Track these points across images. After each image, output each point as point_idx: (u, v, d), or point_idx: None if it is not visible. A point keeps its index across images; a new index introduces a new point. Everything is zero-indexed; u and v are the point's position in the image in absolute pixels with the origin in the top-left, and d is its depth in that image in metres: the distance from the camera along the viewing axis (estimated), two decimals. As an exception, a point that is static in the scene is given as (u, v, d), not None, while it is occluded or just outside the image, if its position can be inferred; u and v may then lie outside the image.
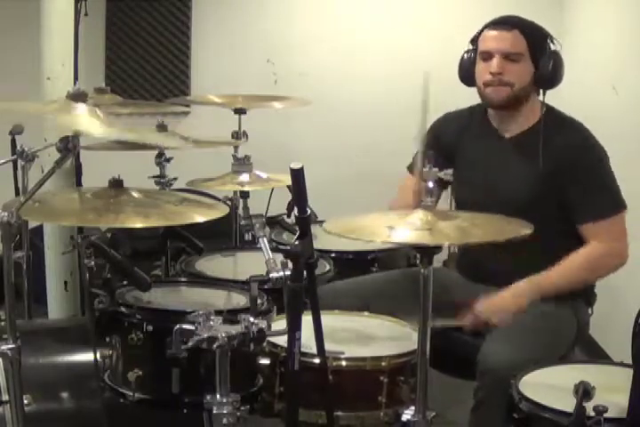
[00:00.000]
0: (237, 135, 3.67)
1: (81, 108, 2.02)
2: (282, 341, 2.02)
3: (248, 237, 3.04)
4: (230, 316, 1.99)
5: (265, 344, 2.10)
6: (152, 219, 2.10)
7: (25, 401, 2.05)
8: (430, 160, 2.09)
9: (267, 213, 3.51)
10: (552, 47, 2.53)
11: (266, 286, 2.10)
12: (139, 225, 2.06)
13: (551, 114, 2.60)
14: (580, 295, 2.60)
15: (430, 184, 2.05)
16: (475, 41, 2.61)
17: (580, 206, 2.52)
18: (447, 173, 2.28)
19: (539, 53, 2.52)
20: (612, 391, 1.90)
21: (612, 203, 2.53)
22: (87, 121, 1.99)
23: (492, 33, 2.55)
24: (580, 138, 2.55)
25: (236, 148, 3.39)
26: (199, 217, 2.11)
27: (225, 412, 1.91)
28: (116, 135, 2.05)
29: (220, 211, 2.18)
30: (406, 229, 1.99)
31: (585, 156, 2.52)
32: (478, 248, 2.56)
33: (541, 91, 2.61)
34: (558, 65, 2.52)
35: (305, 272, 1.81)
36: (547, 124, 2.57)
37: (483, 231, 2.13)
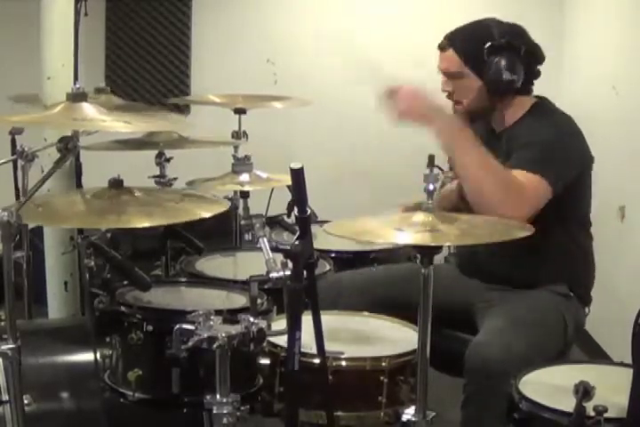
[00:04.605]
0: (237, 135, 3.67)
1: (86, 108, 2.02)
2: (282, 341, 2.02)
3: (248, 237, 3.03)
4: (230, 316, 1.99)
5: (265, 344, 2.10)
6: (155, 217, 2.10)
7: (25, 401, 2.05)
8: (432, 162, 2.10)
9: (267, 213, 3.51)
10: (499, 50, 2.48)
11: (266, 286, 2.10)
12: (144, 225, 2.07)
13: (538, 107, 2.60)
14: (576, 295, 2.60)
15: (431, 186, 2.06)
16: None
17: (517, 154, 2.46)
18: (447, 176, 2.30)
19: (479, 66, 2.51)
20: (612, 391, 1.90)
21: (546, 165, 2.42)
22: (96, 118, 1.99)
23: (439, 54, 2.61)
24: (557, 124, 2.53)
25: (236, 148, 3.39)
26: (203, 213, 2.11)
27: (225, 412, 1.91)
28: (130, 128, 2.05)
29: (223, 205, 2.17)
30: (409, 230, 2.00)
31: (551, 131, 2.49)
32: (476, 248, 2.57)
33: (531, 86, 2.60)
34: (500, 69, 2.48)
35: (305, 272, 1.81)
36: (531, 117, 2.57)
37: (483, 232, 2.14)
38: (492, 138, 2.65)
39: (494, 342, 2.30)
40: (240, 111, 3.66)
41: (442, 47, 2.60)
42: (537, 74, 2.60)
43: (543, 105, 2.62)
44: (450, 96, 2.60)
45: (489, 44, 2.48)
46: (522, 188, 2.35)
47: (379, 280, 2.75)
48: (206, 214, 2.10)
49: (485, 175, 2.35)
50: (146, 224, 2.07)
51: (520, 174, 2.38)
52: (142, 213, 2.09)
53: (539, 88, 2.65)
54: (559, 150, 2.47)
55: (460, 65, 2.54)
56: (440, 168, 2.18)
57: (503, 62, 2.48)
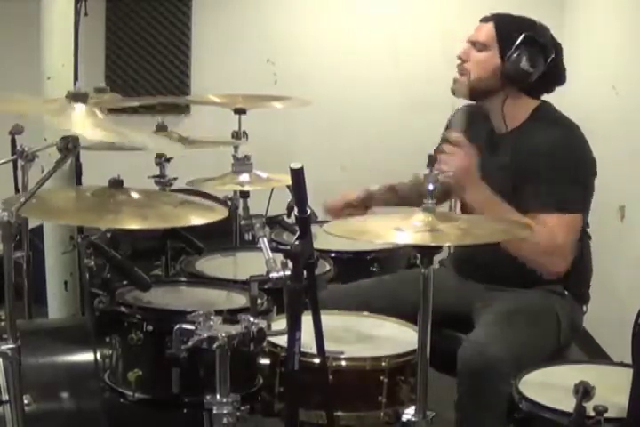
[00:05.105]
0: (237, 135, 3.67)
1: (79, 109, 2.01)
2: (282, 341, 2.02)
3: (248, 237, 3.04)
4: (230, 316, 1.99)
5: (265, 344, 2.10)
6: (149, 220, 2.09)
7: (25, 401, 2.05)
8: (432, 162, 2.10)
9: (267, 213, 3.51)
10: (532, 44, 2.51)
11: (266, 286, 2.10)
12: (134, 226, 2.07)
13: (541, 111, 2.61)
14: (572, 293, 2.60)
15: (431, 187, 2.06)
16: None
17: (532, 194, 2.48)
18: (447, 176, 2.29)
19: (507, 46, 2.54)
20: (612, 391, 1.90)
21: (564, 199, 2.46)
22: (83, 122, 1.97)
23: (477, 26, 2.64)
24: (561, 136, 2.53)
25: (236, 148, 3.39)
26: (196, 219, 2.11)
27: (225, 412, 1.91)
28: (108, 138, 2.05)
29: (219, 213, 2.17)
30: (409, 230, 2.01)
31: (558, 150, 2.49)
32: (474, 247, 2.56)
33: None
34: (523, 57, 2.51)
35: (305, 272, 1.81)
36: (533, 121, 2.58)
37: (483, 232, 2.14)
38: (492, 139, 2.65)
39: (486, 342, 2.31)
40: (240, 111, 3.65)
41: (484, 19, 2.62)
42: (550, 89, 2.63)
43: (546, 110, 2.62)
44: (461, 65, 2.61)
45: (528, 33, 2.52)
46: (548, 243, 2.40)
47: (379, 294, 2.74)
48: (199, 221, 2.10)
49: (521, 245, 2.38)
50: (136, 226, 2.07)
51: (552, 219, 2.42)
52: (136, 215, 2.09)
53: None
54: (573, 175, 2.49)
55: (492, 39, 2.57)
56: (440, 168, 2.19)
57: (529, 54, 2.52)
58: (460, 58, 2.62)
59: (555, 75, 2.60)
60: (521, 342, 2.34)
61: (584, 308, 2.65)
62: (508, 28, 2.57)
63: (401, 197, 2.87)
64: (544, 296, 2.54)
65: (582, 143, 2.54)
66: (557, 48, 2.59)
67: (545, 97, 2.65)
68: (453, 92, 2.65)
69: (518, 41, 2.52)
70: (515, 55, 2.52)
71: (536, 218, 2.43)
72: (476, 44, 2.60)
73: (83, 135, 1.97)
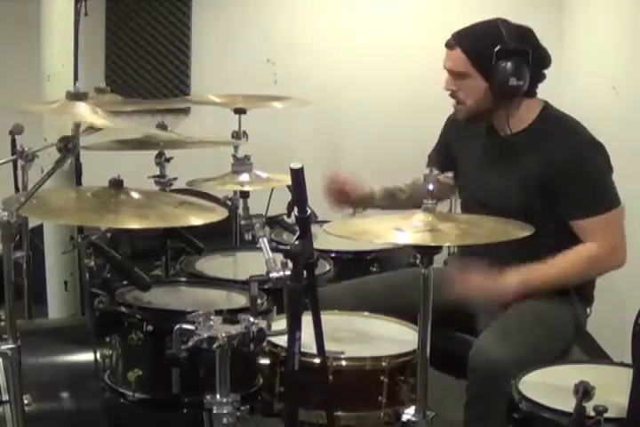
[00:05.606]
0: (237, 135, 3.67)
1: (81, 107, 2.02)
2: (282, 341, 2.02)
3: (248, 237, 3.04)
4: (230, 316, 1.99)
5: (265, 344, 2.10)
6: (150, 220, 2.10)
7: (25, 401, 2.05)
8: (432, 163, 2.10)
9: (267, 213, 3.51)
10: (509, 54, 2.45)
11: (266, 286, 2.10)
12: (136, 226, 2.07)
13: (546, 113, 2.59)
14: (579, 295, 2.60)
15: (431, 187, 2.06)
16: None
17: (569, 205, 2.49)
18: (447, 176, 2.29)
19: (486, 68, 2.47)
20: (612, 391, 1.90)
21: (602, 200, 2.50)
22: (89, 116, 1.99)
23: (445, 51, 2.57)
24: (572, 139, 2.52)
25: (236, 148, 3.39)
26: (195, 219, 2.11)
27: (225, 412, 1.91)
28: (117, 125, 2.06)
29: (218, 214, 2.17)
30: (409, 230, 2.01)
31: (575, 157, 2.49)
32: (478, 247, 2.57)
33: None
34: (507, 74, 2.45)
35: (305, 272, 1.81)
36: (541, 124, 2.56)
37: (483, 232, 2.14)
38: (494, 140, 2.64)
39: (499, 345, 2.30)
40: (240, 111, 3.66)
41: (449, 45, 2.55)
42: (542, 77, 2.58)
43: (552, 113, 2.60)
44: (453, 95, 2.57)
45: (498, 47, 2.45)
46: (602, 253, 2.47)
47: (378, 290, 2.74)
48: (198, 222, 2.10)
49: (574, 277, 2.51)
50: (136, 226, 2.08)
51: (593, 229, 2.47)
52: (136, 215, 2.09)
53: (539, 88, 2.64)
54: (599, 170, 2.52)
55: (467, 65, 2.50)
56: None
57: (511, 67, 2.45)
58: (448, 89, 2.57)
59: (540, 65, 2.54)
60: (531, 345, 2.34)
61: (587, 310, 2.65)
62: (476, 49, 2.50)
63: (398, 204, 2.87)
64: (552, 298, 2.53)
65: (596, 140, 2.54)
66: (529, 37, 2.51)
67: (545, 95, 2.65)
68: (458, 119, 2.64)
69: (494, 59, 2.44)
70: (498, 75, 2.45)
71: (584, 226, 2.47)
72: (453, 73, 2.54)
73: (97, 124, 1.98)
